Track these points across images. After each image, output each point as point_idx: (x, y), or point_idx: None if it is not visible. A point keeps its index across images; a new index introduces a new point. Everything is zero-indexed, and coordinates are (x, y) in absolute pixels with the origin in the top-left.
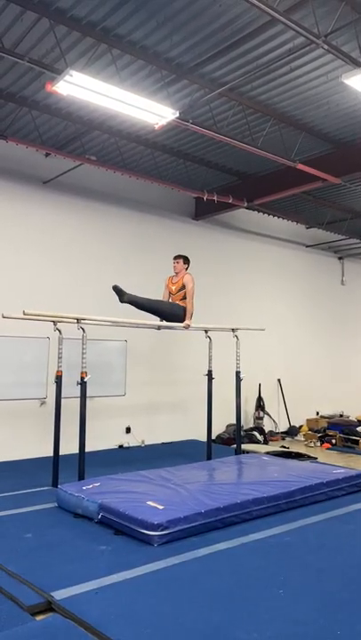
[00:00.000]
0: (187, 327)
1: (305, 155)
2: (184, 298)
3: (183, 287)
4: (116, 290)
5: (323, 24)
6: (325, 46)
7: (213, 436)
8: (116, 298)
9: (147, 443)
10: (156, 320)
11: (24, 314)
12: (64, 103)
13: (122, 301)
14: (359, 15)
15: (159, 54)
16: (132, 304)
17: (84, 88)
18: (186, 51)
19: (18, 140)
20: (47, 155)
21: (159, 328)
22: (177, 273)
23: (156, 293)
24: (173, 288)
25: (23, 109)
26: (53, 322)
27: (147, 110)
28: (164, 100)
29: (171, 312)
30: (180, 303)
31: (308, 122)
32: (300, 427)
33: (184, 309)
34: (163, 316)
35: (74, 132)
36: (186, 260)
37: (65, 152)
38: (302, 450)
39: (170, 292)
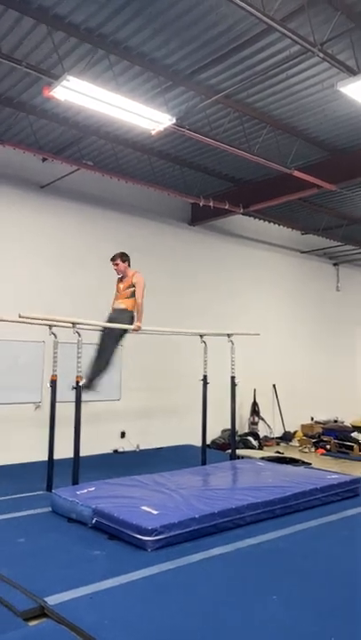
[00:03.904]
0: (137, 329)
1: (301, 161)
2: (132, 296)
3: (132, 285)
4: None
5: (318, 33)
6: (321, 54)
7: (208, 441)
8: (112, 301)
9: (141, 447)
10: (155, 326)
11: (20, 317)
12: (61, 108)
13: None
14: (354, 24)
15: (156, 61)
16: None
17: (81, 93)
18: (183, 58)
19: (15, 144)
20: (44, 159)
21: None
22: (122, 275)
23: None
24: (121, 287)
25: (20, 114)
26: (49, 326)
27: (144, 116)
28: (160, 106)
29: (117, 321)
30: (128, 301)
31: (303, 129)
32: (295, 432)
33: (130, 314)
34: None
35: (71, 138)
36: (124, 257)
37: (62, 157)
38: (297, 455)
39: (117, 291)
